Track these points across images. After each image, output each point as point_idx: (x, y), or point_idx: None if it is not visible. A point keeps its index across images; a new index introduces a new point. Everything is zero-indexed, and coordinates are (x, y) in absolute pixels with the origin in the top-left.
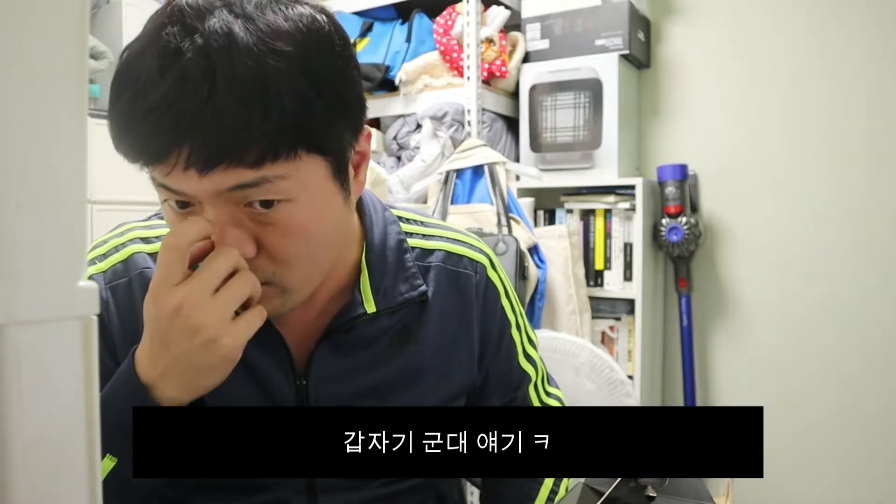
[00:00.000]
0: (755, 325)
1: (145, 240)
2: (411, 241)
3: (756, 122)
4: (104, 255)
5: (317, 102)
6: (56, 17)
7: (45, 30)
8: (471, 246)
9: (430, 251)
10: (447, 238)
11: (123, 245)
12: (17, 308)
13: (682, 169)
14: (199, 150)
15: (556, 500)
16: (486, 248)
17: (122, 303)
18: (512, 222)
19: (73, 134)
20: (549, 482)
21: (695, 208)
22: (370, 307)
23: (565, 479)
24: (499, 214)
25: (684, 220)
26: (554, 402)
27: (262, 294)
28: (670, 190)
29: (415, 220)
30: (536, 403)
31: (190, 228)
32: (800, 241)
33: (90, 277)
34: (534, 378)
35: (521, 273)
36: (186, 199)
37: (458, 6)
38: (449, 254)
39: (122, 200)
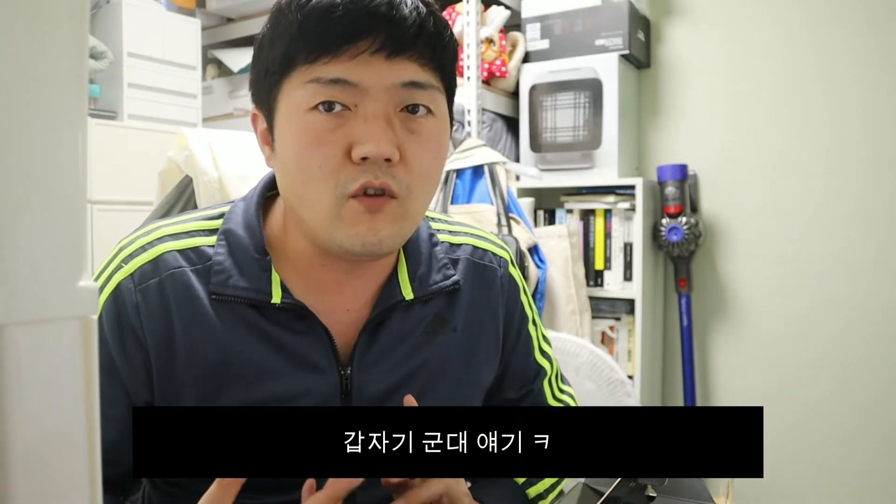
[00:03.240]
0: (755, 324)
1: (174, 236)
2: (439, 237)
3: (756, 121)
4: (130, 256)
5: (453, 49)
6: (56, 17)
7: (46, 29)
8: (493, 242)
9: (458, 245)
10: (472, 234)
11: (151, 244)
12: (17, 308)
13: (682, 169)
14: (396, 34)
15: (543, 492)
16: (506, 246)
17: (154, 305)
18: (512, 222)
19: (73, 134)
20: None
21: (695, 208)
22: (408, 294)
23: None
24: (499, 214)
25: (684, 220)
26: (567, 399)
27: (388, 213)
28: (670, 190)
29: (439, 219)
30: (550, 398)
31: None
32: (799, 241)
33: (118, 283)
34: (549, 373)
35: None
36: (347, 99)
37: (457, 6)
38: (475, 248)
39: (122, 200)
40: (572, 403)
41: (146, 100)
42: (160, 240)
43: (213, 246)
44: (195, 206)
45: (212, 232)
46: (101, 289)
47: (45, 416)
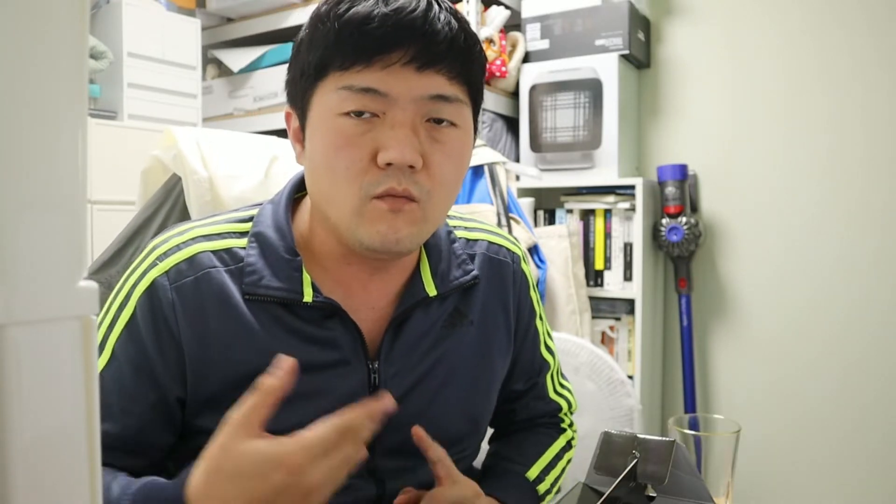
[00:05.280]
0: (755, 324)
1: (207, 237)
2: (456, 233)
3: (756, 121)
4: (165, 255)
5: (481, 63)
6: (56, 17)
7: (46, 29)
8: (507, 238)
9: (474, 241)
10: (486, 230)
11: (186, 244)
12: (17, 308)
13: (682, 169)
14: (427, 48)
15: (550, 487)
16: (518, 243)
17: (190, 303)
18: (512, 222)
19: (73, 134)
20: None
21: (695, 208)
22: (431, 290)
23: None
24: (499, 214)
25: (684, 220)
26: (567, 394)
27: (408, 213)
28: (670, 190)
29: (455, 215)
30: (552, 392)
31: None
32: (799, 241)
33: (153, 280)
34: (552, 367)
35: None
36: (376, 107)
37: (458, 6)
38: (490, 243)
39: (122, 200)
40: (571, 399)
41: (146, 100)
42: (194, 240)
43: (244, 248)
44: (184, 206)
45: (242, 234)
46: (135, 285)
47: (45, 416)
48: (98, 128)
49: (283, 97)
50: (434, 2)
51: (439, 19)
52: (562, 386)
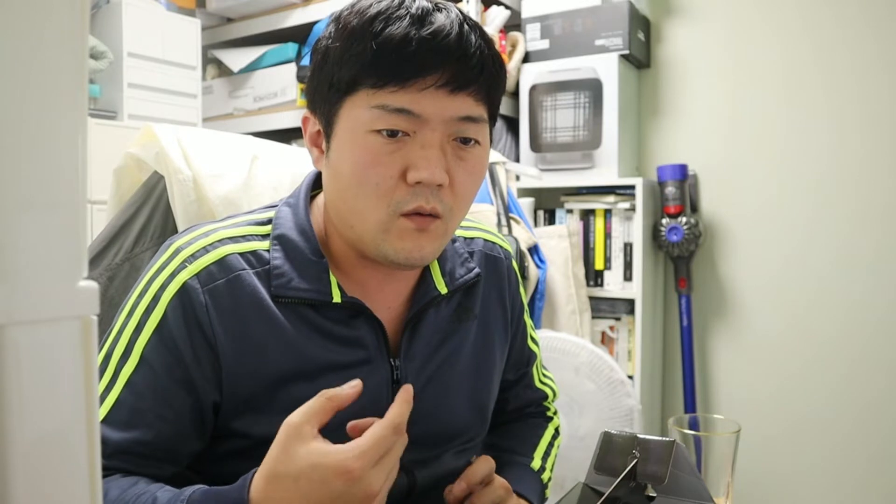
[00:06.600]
0: (755, 324)
1: (233, 239)
2: (455, 232)
3: (756, 121)
4: (193, 257)
5: (504, 84)
6: (56, 17)
7: (46, 29)
8: (498, 236)
9: (472, 239)
10: (480, 228)
11: (213, 246)
12: (17, 308)
13: (682, 169)
14: (461, 71)
15: (550, 476)
16: (508, 240)
17: (225, 305)
18: (512, 222)
19: (73, 134)
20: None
21: (695, 208)
22: (442, 288)
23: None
24: (499, 214)
25: (684, 220)
26: (550, 382)
27: (432, 230)
28: (670, 190)
29: None
30: (537, 381)
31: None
32: (799, 241)
33: (184, 283)
34: (537, 358)
35: (521, 273)
36: (408, 126)
37: (457, 6)
38: (486, 241)
39: None
40: (554, 387)
41: (146, 100)
42: (221, 242)
43: (267, 250)
44: (167, 206)
45: (264, 237)
46: (163, 288)
47: (45, 416)
48: (98, 128)
49: (282, 97)
50: (465, 22)
51: (471, 42)
52: (545, 376)
